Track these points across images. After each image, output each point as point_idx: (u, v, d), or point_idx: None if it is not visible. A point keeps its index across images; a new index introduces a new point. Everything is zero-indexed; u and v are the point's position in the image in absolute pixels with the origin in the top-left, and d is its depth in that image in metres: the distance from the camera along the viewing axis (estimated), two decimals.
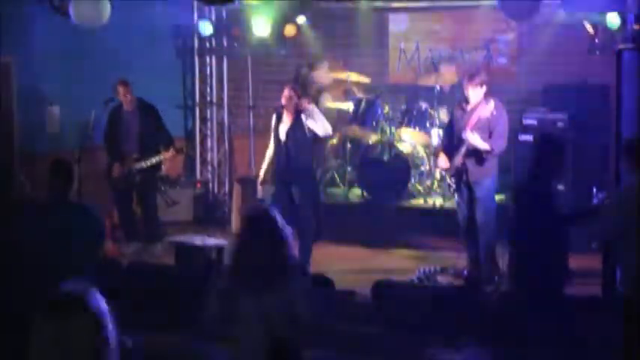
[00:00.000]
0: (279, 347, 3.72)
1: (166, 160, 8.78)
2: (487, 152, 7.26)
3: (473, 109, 7.35)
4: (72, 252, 5.18)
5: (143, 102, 8.94)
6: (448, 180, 7.64)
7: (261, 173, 8.13)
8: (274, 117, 7.93)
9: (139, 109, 8.88)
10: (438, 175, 9.47)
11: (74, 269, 5.10)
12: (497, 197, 7.90)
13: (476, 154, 7.32)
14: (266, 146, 8.09)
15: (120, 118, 8.88)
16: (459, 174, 7.42)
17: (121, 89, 8.78)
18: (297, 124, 7.74)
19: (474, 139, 7.19)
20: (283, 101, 7.78)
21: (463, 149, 7.33)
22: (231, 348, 3.92)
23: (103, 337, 2.41)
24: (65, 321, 2.37)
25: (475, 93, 7.33)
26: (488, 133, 7.27)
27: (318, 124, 7.73)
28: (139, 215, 9.09)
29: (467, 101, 7.43)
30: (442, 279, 7.70)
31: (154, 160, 8.67)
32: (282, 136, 7.79)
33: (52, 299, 2.43)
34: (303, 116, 7.75)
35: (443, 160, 7.57)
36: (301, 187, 7.78)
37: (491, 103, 7.24)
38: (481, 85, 7.32)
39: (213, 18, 11.04)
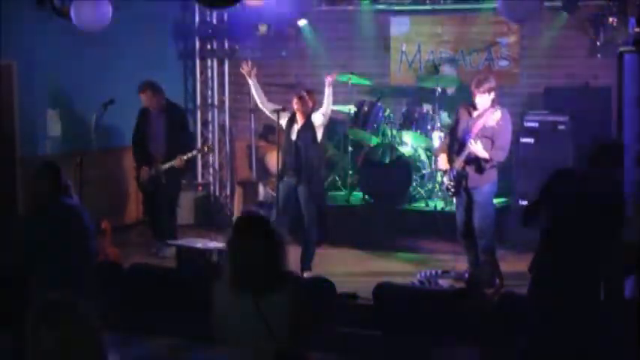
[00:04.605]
0: (281, 350, 3.69)
1: (190, 159, 8.83)
2: (485, 161, 7.24)
3: (479, 116, 7.30)
4: (67, 253, 5.18)
5: (169, 103, 8.91)
6: (446, 182, 7.54)
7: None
8: (287, 117, 7.94)
9: (166, 111, 8.86)
10: (439, 179, 9.45)
11: (71, 271, 5.12)
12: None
13: (476, 161, 7.29)
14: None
15: (147, 120, 8.86)
16: (459, 179, 7.38)
17: (142, 97, 8.75)
18: (307, 125, 7.78)
19: (476, 147, 7.15)
20: (295, 106, 7.81)
21: (465, 154, 7.29)
22: (231, 352, 3.88)
23: (99, 342, 2.42)
24: (58, 329, 2.36)
25: (482, 99, 7.27)
26: (491, 142, 7.23)
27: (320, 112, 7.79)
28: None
29: (474, 107, 7.38)
30: (443, 282, 7.70)
31: (172, 162, 8.65)
32: (294, 136, 7.81)
33: (42, 308, 2.41)
34: (312, 117, 7.78)
35: (443, 162, 7.54)
36: (308, 188, 7.79)
37: (498, 112, 7.17)
38: (489, 92, 7.25)
39: (214, 21, 11.05)
